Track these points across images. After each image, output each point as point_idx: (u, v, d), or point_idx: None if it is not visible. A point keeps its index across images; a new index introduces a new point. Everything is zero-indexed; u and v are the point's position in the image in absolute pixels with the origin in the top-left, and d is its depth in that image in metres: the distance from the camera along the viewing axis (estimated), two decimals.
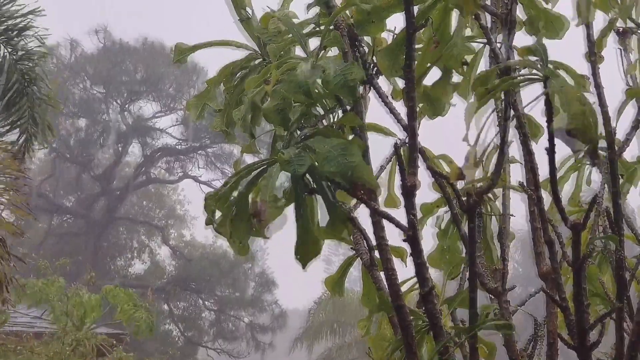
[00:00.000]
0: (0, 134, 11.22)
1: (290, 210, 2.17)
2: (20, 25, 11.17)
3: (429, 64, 2.47)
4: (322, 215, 2.21)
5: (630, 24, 2.93)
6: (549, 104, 2.16)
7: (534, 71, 2.20)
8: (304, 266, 2.21)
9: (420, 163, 2.39)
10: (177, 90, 36.06)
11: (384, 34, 2.50)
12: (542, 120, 2.48)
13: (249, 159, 2.45)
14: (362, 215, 2.50)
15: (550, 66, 2.16)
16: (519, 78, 2.27)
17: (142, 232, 37.60)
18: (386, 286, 2.44)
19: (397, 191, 2.72)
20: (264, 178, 2.12)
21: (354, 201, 2.47)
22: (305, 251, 2.19)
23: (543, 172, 2.51)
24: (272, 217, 2.08)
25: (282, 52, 2.39)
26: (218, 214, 2.20)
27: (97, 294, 12.65)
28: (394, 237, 2.50)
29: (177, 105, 35.98)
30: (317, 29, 2.51)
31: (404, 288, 2.58)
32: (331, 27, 2.40)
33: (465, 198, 2.36)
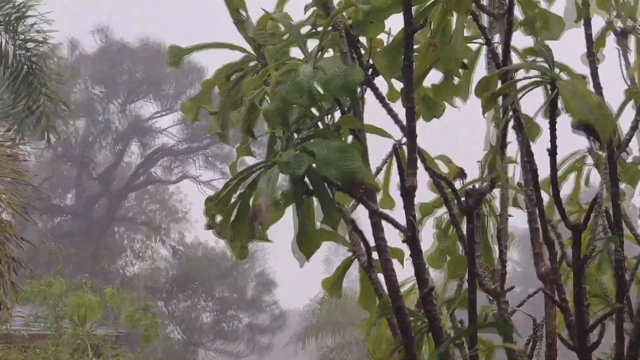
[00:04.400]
0: (17, 121, 11.10)
1: (288, 208, 2.17)
2: (22, 10, 11.11)
3: (428, 66, 2.46)
4: (320, 216, 2.21)
5: (629, 23, 2.92)
6: (553, 106, 2.14)
7: (537, 73, 2.17)
8: (301, 264, 2.22)
9: (419, 164, 2.39)
10: (177, 90, 36.06)
11: (380, 35, 2.49)
12: (539, 120, 2.48)
13: (246, 160, 2.44)
14: (361, 216, 2.50)
15: (557, 69, 2.15)
16: (525, 82, 2.23)
17: (141, 232, 37.55)
18: (385, 288, 2.43)
19: (393, 192, 2.72)
20: (263, 181, 2.12)
21: (353, 202, 2.47)
22: (303, 249, 2.19)
23: (541, 173, 2.51)
24: (272, 221, 2.07)
25: (277, 54, 2.38)
26: (219, 217, 2.20)
27: (98, 294, 12.63)
28: (394, 238, 2.49)
29: (177, 106, 35.96)
30: (315, 30, 2.50)
31: (403, 289, 2.57)
32: (329, 28, 2.39)
33: (464, 199, 2.36)
